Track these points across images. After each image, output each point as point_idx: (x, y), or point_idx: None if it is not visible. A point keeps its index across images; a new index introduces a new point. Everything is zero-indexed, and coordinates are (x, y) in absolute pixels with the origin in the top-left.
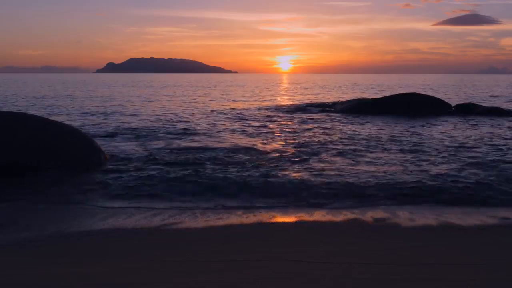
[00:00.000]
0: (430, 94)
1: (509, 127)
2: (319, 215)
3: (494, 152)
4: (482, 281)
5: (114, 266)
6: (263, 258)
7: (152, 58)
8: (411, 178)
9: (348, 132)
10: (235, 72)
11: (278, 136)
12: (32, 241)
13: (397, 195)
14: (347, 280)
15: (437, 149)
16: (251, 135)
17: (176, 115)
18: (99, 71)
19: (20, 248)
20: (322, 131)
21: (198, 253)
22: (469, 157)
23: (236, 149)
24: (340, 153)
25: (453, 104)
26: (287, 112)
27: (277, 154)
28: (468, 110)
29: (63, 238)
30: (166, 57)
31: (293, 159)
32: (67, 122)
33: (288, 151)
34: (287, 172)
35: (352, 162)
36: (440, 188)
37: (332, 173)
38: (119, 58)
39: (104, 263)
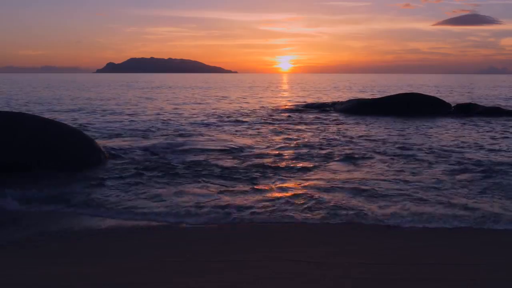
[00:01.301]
0: (430, 94)
1: (508, 128)
2: (318, 215)
3: (492, 156)
4: (482, 281)
5: (114, 266)
6: (263, 258)
7: (152, 58)
8: (405, 192)
9: (347, 134)
10: (235, 72)
11: (275, 137)
12: (32, 241)
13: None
14: (347, 280)
15: (437, 155)
16: (248, 136)
17: (176, 115)
18: (99, 71)
19: (20, 248)
20: (320, 132)
21: (198, 253)
22: (467, 162)
23: (233, 151)
24: (337, 158)
25: (453, 104)
26: (286, 112)
27: (273, 158)
28: (468, 110)
29: (63, 238)
30: (166, 57)
31: (288, 163)
32: (68, 122)
33: (285, 154)
34: (279, 179)
35: (349, 169)
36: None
37: (325, 181)
38: (119, 58)
39: (104, 263)
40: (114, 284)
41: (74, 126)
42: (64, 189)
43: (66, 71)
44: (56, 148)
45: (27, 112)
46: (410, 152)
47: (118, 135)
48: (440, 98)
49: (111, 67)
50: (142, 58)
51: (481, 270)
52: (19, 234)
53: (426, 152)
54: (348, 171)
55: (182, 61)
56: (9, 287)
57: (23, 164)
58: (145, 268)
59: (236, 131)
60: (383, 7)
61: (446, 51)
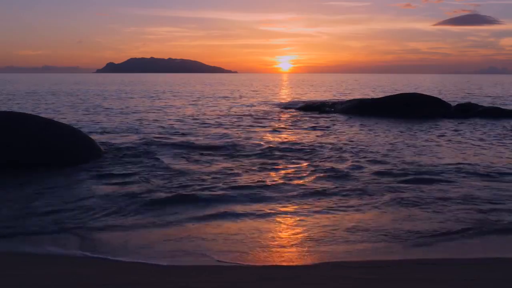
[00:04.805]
0: (430, 94)
1: (507, 128)
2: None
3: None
4: (482, 281)
5: (114, 266)
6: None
7: (152, 58)
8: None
9: (344, 136)
10: (235, 72)
11: (271, 138)
12: (32, 240)
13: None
14: (347, 280)
15: (436, 167)
16: (245, 136)
17: (175, 115)
18: (99, 71)
19: (20, 248)
20: (315, 134)
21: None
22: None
23: (230, 152)
24: (327, 165)
25: (453, 104)
26: (285, 112)
27: (264, 161)
28: (467, 110)
29: (62, 237)
30: (166, 57)
31: (274, 166)
32: (68, 122)
33: (275, 157)
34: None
35: (334, 181)
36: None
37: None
38: (119, 58)
39: (104, 263)
40: (114, 284)
41: (74, 125)
42: (63, 188)
43: (66, 71)
44: (56, 148)
45: (27, 112)
46: (406, 168)
47: (118, 135)
48: (440, 98)
49: (111, 67)
50: (142, 58)
51: (481, 270)
52: (19, 233)
53: (424, 172)
54: (332, 186)
55: (182, 61)
56: (9, 287)
57: (23, 163)
58: (145, 268)
59: (234, 131)
60: (383, 7)
61: (446, 51)
